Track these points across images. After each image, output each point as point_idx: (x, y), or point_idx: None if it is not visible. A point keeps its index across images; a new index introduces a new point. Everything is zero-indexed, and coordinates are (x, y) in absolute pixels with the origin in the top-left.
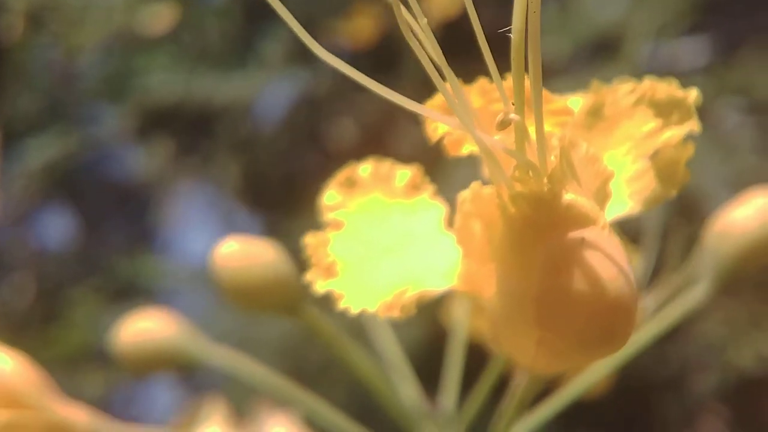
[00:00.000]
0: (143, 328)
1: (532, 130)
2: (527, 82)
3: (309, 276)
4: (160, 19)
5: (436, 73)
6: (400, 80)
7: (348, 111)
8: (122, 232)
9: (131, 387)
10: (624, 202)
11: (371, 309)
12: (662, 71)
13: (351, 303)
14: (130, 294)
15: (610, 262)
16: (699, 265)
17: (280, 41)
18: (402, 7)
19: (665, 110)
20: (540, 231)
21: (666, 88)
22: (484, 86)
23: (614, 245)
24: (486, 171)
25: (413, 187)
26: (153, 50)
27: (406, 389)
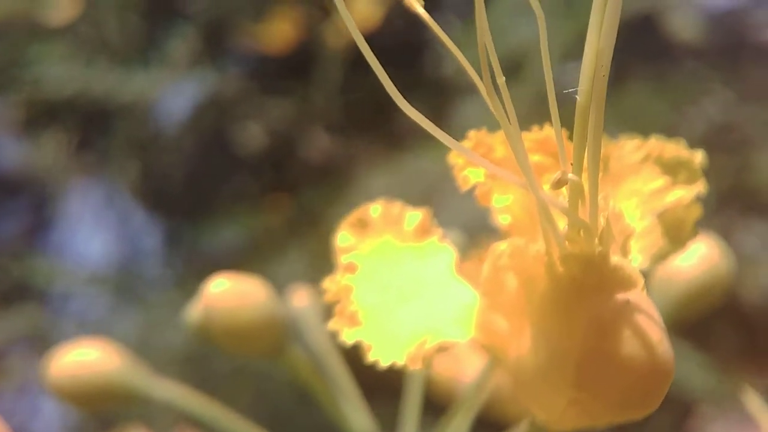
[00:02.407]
0: (80, 361)
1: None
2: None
3: (333, 325)
4: (61, 8)
5: (507, 123)
6: (312, 89)
7: (256, 115)
8: (10, 230)
9: (12, 398)
10: (634, 258)
11: (399, 361)
12: (566, 93)
13: (380, 356)
14: (21, 296)
15: (654, 325)
16: None
17: (184, 40)
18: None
19: (672, 169)
20: (587, 292)
21: (673, 148)
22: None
23: (653, 307)
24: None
25: (423, 231)
26: (50, 40)
27: (359, 419)
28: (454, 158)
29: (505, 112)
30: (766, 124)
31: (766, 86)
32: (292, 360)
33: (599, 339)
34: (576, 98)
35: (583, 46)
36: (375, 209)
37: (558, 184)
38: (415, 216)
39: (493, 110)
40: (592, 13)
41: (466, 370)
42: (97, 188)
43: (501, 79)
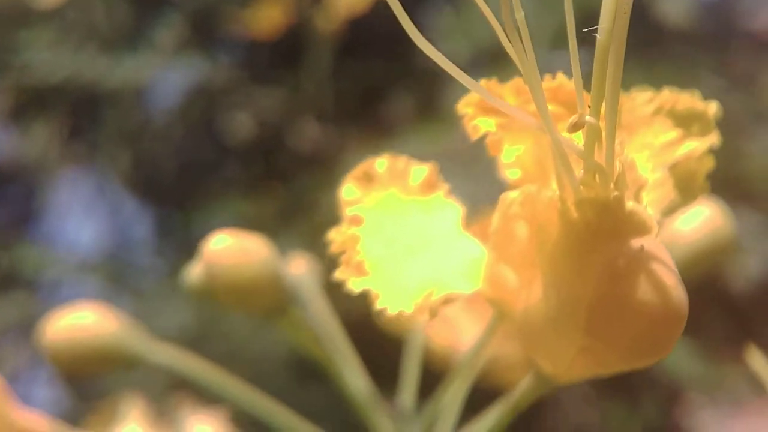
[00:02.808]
0: (77, 324)
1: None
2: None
3: (340, 274)
4: None
5: (524, 63)
6: (302, 77)
7: (246, 105)
8: (0, 219)
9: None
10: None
11: (407, 310)
12: (585, 32)
13: (388, 304)
14: (11, 285)
15: (668, 271)
16: None
17: (173, 27)
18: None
19: (685, 121)
20: (601, 237)
21: (687, 99)
22: (519, 86)
23: (667, 253)
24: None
25: (429, 185)
26: (38, 26)
27: (358, 384)
28: (464, 107)
29: (524, 47)
30: (755, 112)
31: (755, 74)
32: (294, 322)
33: (613, 284)
34: (596, 37)
35: (579, 32)
36: (381, 163)
37: (575, 127)
38: (421, 170)
39: (509, 51)
40: None
41: (463, 338)
42: (87, 177)
43: (520, 14)
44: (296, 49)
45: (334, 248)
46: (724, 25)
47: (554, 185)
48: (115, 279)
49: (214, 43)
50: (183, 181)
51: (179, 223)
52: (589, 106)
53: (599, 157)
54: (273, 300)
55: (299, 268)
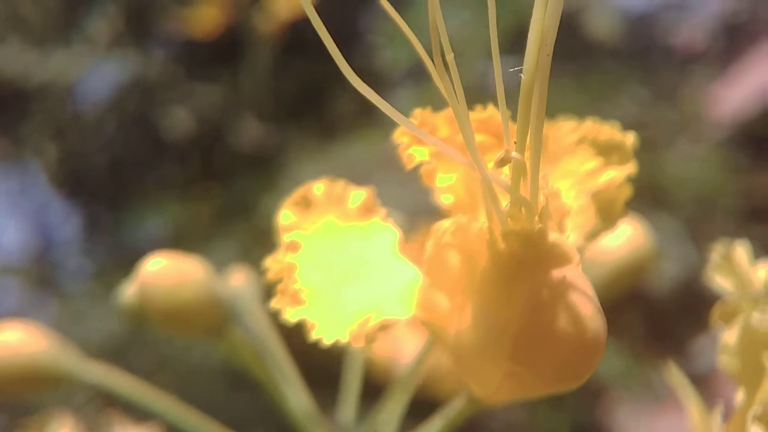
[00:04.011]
0: (4, 343)
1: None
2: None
3: (275, 303)
4: None
5: (455, 101)
6: (241, 75)
7: (182, 101)
8: None
9: None
10: (568, 236)
11: (343, 339)
12: (484, 88)
13: (323, 334)
14: None
15: (587, 300)
16: None
17: (106, 19)
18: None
19: (606, 151)
20: (525, 268)
21: (607, 131)
22: (452, 115)
23: (587, 282)
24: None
25: (366, 210)
26: None
27: (298, 400)
28: (400, 136)
29: (454, 89)
30: (676, 123)
31: (675, 87)
32: (232, 341)
33: (536, 314)
34: (521, 77)
35: (513, 41)
36: (318, 187)
37: (502, 163)
38: (358, 195)
39: (440, 88)
40: None
41: (403, 349)
42: (11, 174)
43: (450, 56)
44: (235, 48)
45: (270, 276)
46: (648, 39)
47: (482, 215)
48: (39, 281)
49: (148, 37)
50: (115, 179)
51: (110, 223)
52: (515, 142)
53: (524, 190)
54: (209, 322)
55: (238, 280)
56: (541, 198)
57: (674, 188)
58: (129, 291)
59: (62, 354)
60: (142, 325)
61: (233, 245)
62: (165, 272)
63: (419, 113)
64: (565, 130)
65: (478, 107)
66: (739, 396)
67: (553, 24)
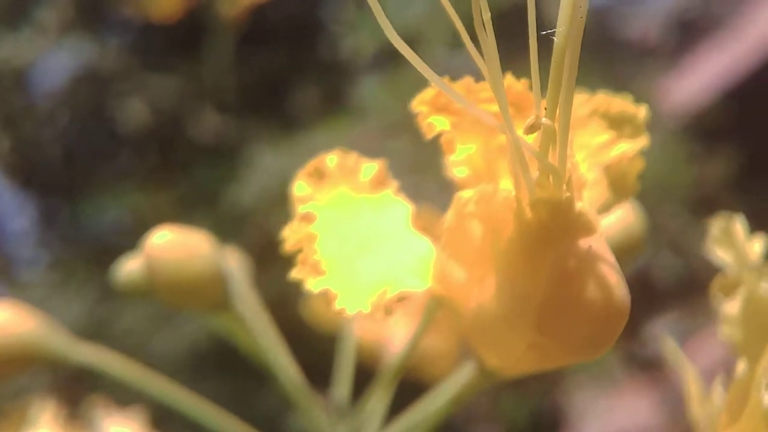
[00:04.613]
0: None
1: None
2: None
3: (297, 274)
4: None
5: (483, 64)
6: (201, 65)
7: (139, 91)
8: None
9: None
10: None
11: (365, 310)
12: (455, 77)
13: (346, 304)
14: None
15: (613, 269)
16: None
17: (57, 5)
18: None
19: (618, 123)
20: (553, 237)
21: (619, 103)
22: (470, 85)
23: (610, 252)
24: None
25: (379, 182)
26: None
27: (294, 378)
28: (419, 105)
29: (489, 51)
30: None
31: (629, 79)
32: (234, 316)
33: (562, 283)
34: (554, 39)
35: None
36: (331, 159)
37: (531, 129)
38: (370, 167)
39: (470, 49)
40: None
41: (393, 335)
42: None
43: (486, 15)
44: (195, 35)
45: (288, 246)
46: (603, 32)
47: (504, 184)
48: None
49: (103, 24)
50: (70, 169)
51: (66, 213)
52: (545, 108)
53: (553, 158)
54: (216, 296)
55: (230, 261)
56: (569, 166)
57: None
58: (130, 266)
59: (50, 334)
60: (146, 298)
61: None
62: (172, 245)
63: (437, 80)
64: (577, 102)
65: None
66: (740, 367)
67: None
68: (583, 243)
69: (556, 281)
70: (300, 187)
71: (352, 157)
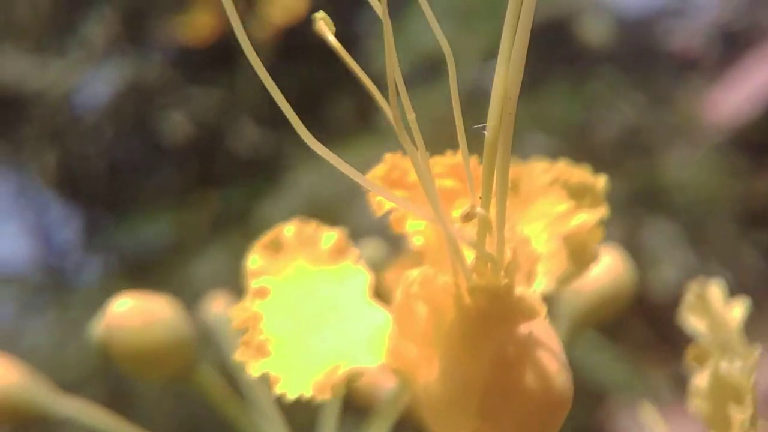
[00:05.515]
0: None
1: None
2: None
3: (239, 356)
4: None
5: (416, 154)
6: (236, 81)
7: (180, 105)
8: None
9: None
10: (539, 281)
11: (307, 394)
12: (481, 94)
13: (287, 388)
14: None
15: (553, 356)
16: (553, 317)
17: (103, 25)
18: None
19: (577, 193)
20: (493, 323)
21: (579, 173)
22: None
23: (554, 336)
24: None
25: (338, 252)
26: None
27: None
28: (371, 180)
29: (416, 148)
30: (672, 127)
31: (672, 92)
32: (201, 380)
33: (502, 371)
34: (484, 134)
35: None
36: (289, 229)
37: (467, 218)
38: (330, 236)
39: (403, 146)
40: (500, 48)
41: (386, 375)
42: (10, 179)
43: (411, 116)
44: (230, 53)
45: (235, 325)
46: (645, 44)
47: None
48: (37, 289)
49: (146, 42)
50: (114, 184)
51: (109, 229)
52: (480, 197)
53: (491, 245)
54: (176, 365)
55: (217, 306)
56: (508, 252)
57: (672, 193)
58: (98, 328)
59: (35, 387)
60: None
61: (230, 250)
62: (130, 313)
63: (390, 157)
64: (538, 171)
65: (449, 152)
66: None
67: (515, 81)
68: (524, 329)
69: (496, 368)
70: (253, 261)
71: (311, 226)
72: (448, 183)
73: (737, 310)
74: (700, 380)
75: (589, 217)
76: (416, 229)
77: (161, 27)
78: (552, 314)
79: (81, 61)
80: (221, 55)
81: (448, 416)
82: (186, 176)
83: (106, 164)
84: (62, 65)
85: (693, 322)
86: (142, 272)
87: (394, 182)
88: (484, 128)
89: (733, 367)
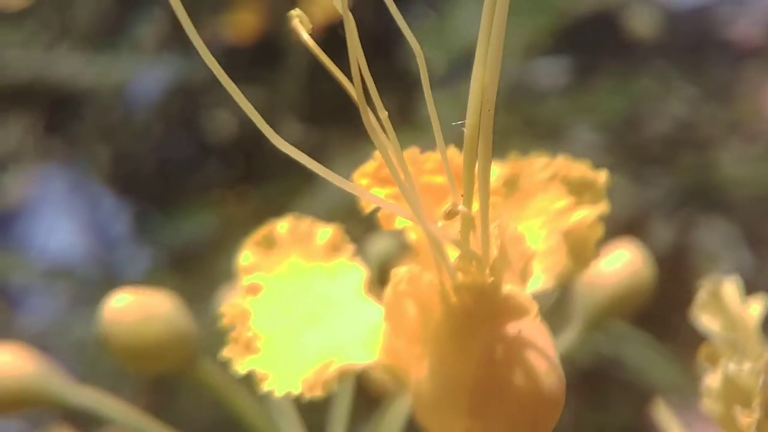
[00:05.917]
0: None
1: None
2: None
3: (227, 353)
4: None
5: (388, 154)
6: (282, 78)
7: (226, 102)
8: None
9: None
10: (537, 277)
11: (295, 391)
12: (525, 89)
13: (275, 385)
14: None
15: (543, 355)
16: (571, 312)
17: (154, 24)
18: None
19: (578, 189)
20: (479, 322)
21: (579, 168)
22: (414, 156)
23: (545, 335)
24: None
25: (333, 248)
26: (10, 25)
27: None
28: (359, 178)
29: (392, 150)
30: (728, 122)
31: (728, 84)
32: (201, 375)
33: (491, 369)
34: (464, 131)
35: (547, 42)
36: (282, 226)
37: (449, 215)
38: (325, 232)
39: (379, 150)
40: (477, 49)
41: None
42: (64, 173)
43: (384, 114)
44: (274, 51)
45: (224, 322)
46: (697, 35)
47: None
48: (88, 282)
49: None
50: (162, 179)
51: (157, 223)
52: (462, 195)
53: (475, 243)
54: (175, 360)
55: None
56: (494, 250)
57: (728, 190)
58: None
59: (50, 376)
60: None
61: None
62: (129, 309)
63: (378, 155)
64: (537, 166)
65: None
66: None
67: (493, 80)
68: (512, 327)
69: (483, 367)
70: (245, 257)
71: (306, 222)
72: (439, 179)
73: (755, 308)
74: (712, 381)
75: (590, 212)
76: (406, 226)
77: (208, 26)
78: (570, 309)
79: (132, 60)
80: (264, 53)
81: (440, 414)
82: (230, 173)
83: (155, 160)
84: (114, 64)
85: (705, 320)
86: (187, 265)
87: (383, 179)
88: (463, 125)
89: (741, 369)
